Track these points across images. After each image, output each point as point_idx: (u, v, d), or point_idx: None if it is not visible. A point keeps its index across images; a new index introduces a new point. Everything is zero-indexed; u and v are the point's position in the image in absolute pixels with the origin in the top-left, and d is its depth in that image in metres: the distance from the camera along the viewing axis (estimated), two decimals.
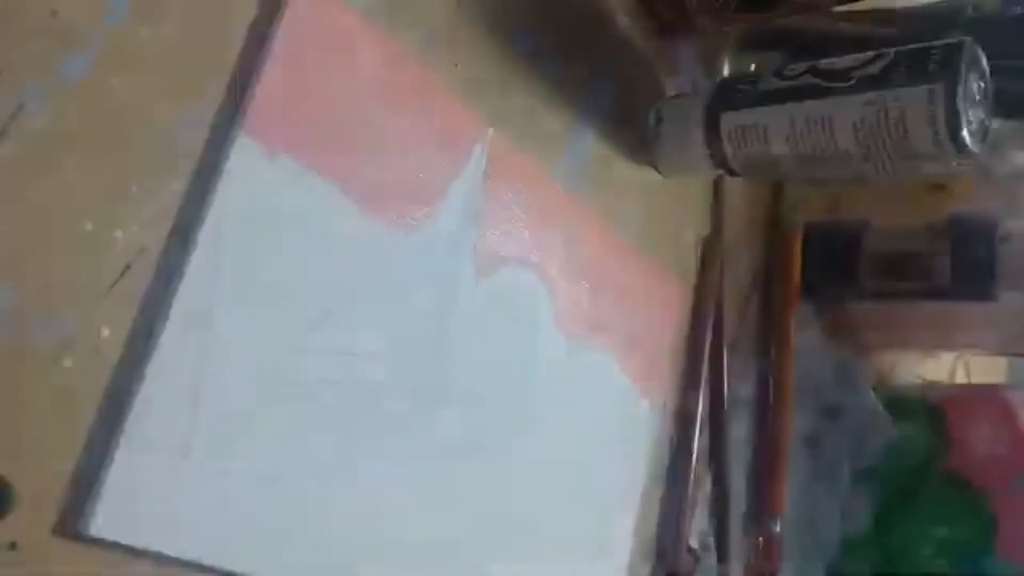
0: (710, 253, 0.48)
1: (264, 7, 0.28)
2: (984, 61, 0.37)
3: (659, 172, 0.45)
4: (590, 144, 0.41)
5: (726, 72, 0.50)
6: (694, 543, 0.46)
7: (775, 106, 0.39)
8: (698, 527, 0.46)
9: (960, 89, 0.35)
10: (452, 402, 0.33)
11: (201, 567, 0.25)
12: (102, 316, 0.24)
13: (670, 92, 0.46)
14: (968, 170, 0.52)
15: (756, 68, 0.50)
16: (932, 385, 0.71)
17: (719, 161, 0.42)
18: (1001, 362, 0.85)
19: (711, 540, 0.47)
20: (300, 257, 0.28)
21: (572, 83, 0.40)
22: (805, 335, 0.56)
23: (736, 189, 0.52)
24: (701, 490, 0.47)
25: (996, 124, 0.45)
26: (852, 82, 0.37)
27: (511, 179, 0.35)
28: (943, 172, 0.54)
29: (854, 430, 0.60)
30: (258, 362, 0.27)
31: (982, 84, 0.37)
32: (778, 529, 0.51)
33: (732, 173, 0.43)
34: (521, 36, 0.37)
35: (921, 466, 0.59)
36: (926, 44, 0.37)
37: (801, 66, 0.40)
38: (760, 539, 0.50)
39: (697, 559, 0.46)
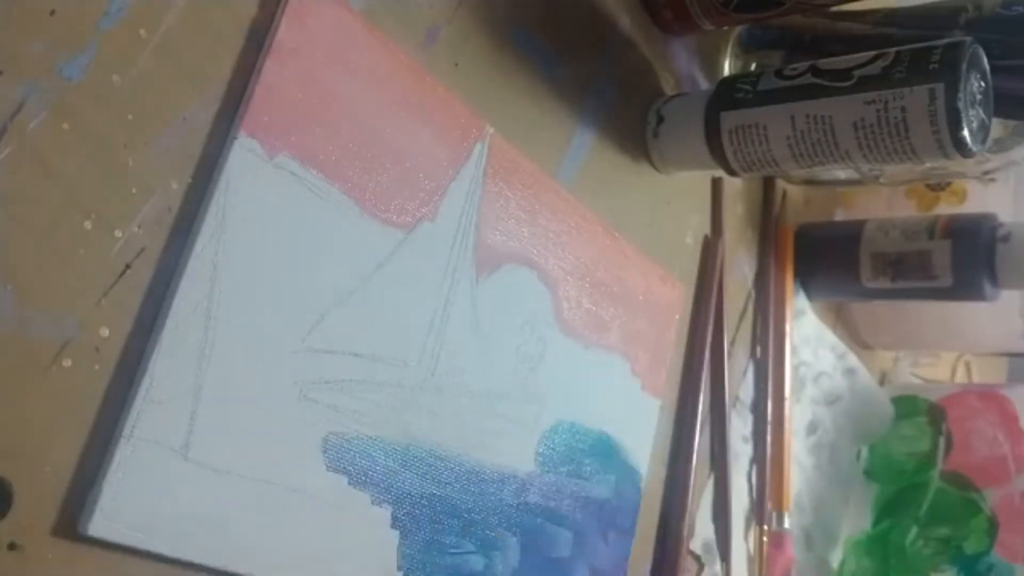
0: (710, 253, 0.48)
1: (264, 7, 0.28)
2: (984, 61, 0.37)
3: (659, 172, 0.45)
4: (590, 144, 0.41)
5: (726, 72, 0.50)
6: (696, 547, 0.46)
7: (775, 106, 0.39)
8: (701, 529, 0.46)
9: (961, 89, 0.35)
10: (454, 401, 0.33)
11: (201, 567, 0.25)
12: (102, 316, 0.24)
13: (670, 92, 0.46)
14: (968, 170, 0.52)
15: (756, 68, 0.50)
16: (932, 385, 0.71)
17: (719, 161, 0.42)
18: (1001, 362, 0.85)
19: (714, 541, 0.47)
20: (300, 257, 0.28)
21: (572, 83, 0.40)
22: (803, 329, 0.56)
23: (736, 189, 0.52)
24: (703, 490, 0.47)
25: (996, 124, 0.45)
26: (852, 82, 0.37)
27: (511, 179, 0.35)
28: (943, 172, 0.54)
29: (854, 414, 0.60)
30: (258, 362, 0.27)
31: (982, 84, 0.37)
32: (787, 526, 0.51)
33: (732, 173, 0.43)
34: (521, 36, 0.37)
35: (921, 466, 0.59)
36: (927, 44, 0.37)
37: (801, 66, 0.40)
38: (765, 538, 0.50)
39: (701, 564, 0.46)
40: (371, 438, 0.30)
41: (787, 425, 0.53)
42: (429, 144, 0.32)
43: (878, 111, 0.36)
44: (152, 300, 0.25)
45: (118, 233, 0.24)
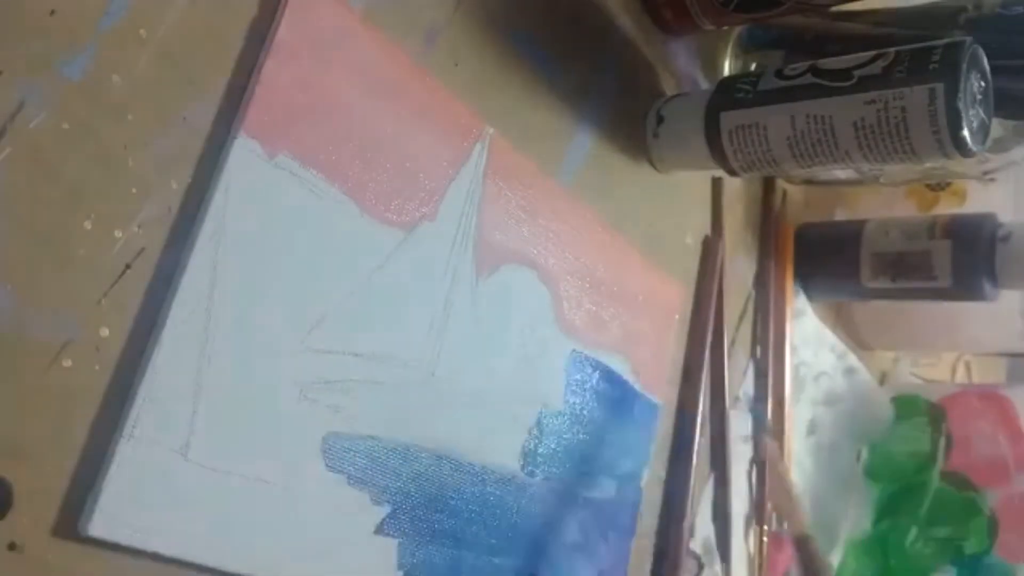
0: (710, 253, 0.48)
1: (264, 7, 0.28)
2: (984, 61, 0.37)
3: (659, 172, 0.45)
4: (590, 144, 0.41)
5: (726, 72, 0.50)
6: (697, 547, 0.46)
7: (775, 106, 0.39)
8: (701, 529, 0.46)
9: (961, 89, 0.35)
10: (454, 401, 0.33)
11: (201, 567, 0.25)
12: (102, 316, 0.24)
13: (670, 92, 0.46)
14: (968, 170, 0.52)
15: (756, 68, 0.50)
16: (932, 385, 0.71)
17: (719, 161, 0.42)
18: (1001, 362, 0.85)
19: (714, 541, 0.47)
20: (300, 257, 0.28)
21: (572, 83, 0.40)
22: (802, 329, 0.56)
23: (736, 189, 0.52)
24: (703, 490, 0.47)
25: (996, 124, 0.45)
26: (853, 82, 0.37)
27: (511, 179, 0.35)
28: (943, 172, 0.54)
29: (854, 414, 0.60)
30: (258, 362, 0.27)
31: (982, 84, 0.37)
32: (787, 526, 0.51)
33: (732, 173, 0.43)
34: (521, 36, 0.37)
35: (921, 466, 0.59)
36: (927, 44, 0.37)
37: (801, 66, 0.40)
38: (765, 538, 0.50)
39: (701, 565, 0.46)
40: (371, 438, 0.30)
41: (787, 425, 0.53)
42: (429, 144, 0.32)
43: (878, 111, 0.36)
44: (152, 300, 0.25)
45: (118, 233, 0.24)
